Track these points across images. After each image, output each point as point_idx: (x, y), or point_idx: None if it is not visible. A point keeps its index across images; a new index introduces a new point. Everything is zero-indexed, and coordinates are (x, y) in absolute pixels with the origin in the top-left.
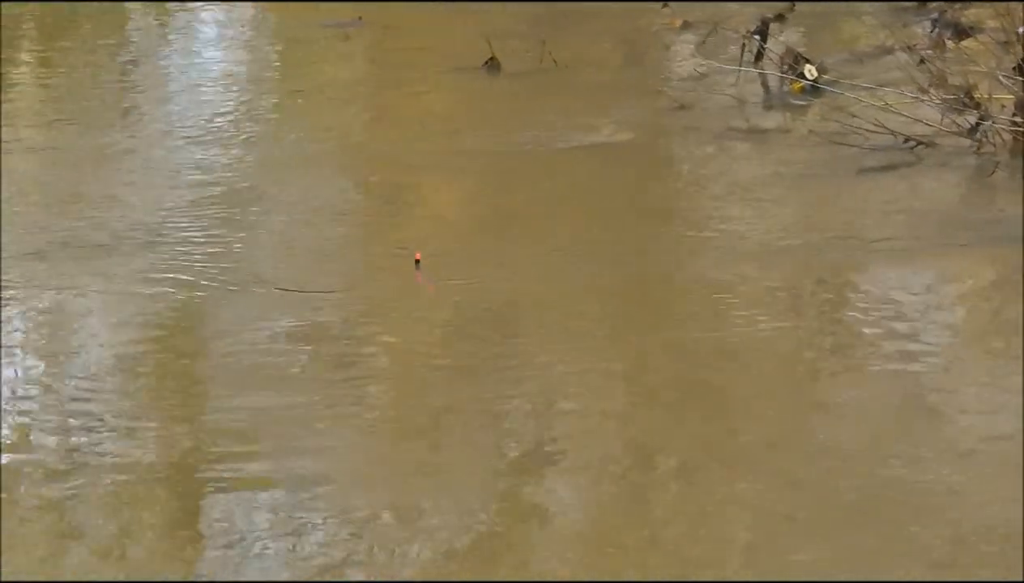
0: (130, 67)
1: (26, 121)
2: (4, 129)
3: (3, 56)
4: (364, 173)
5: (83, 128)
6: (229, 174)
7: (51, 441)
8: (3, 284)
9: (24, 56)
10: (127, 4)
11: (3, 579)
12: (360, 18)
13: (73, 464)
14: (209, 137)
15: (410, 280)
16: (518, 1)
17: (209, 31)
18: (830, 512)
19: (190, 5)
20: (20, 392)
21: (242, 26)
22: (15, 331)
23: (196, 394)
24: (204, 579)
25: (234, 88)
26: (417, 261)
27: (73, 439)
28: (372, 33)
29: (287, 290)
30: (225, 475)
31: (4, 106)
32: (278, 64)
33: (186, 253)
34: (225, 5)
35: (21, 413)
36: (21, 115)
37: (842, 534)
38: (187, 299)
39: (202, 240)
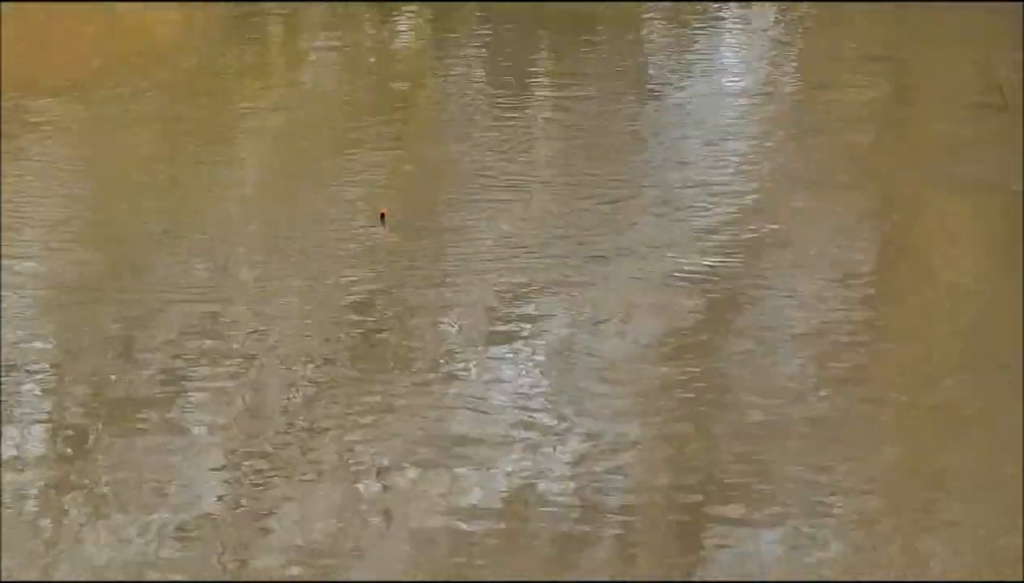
0: (644, 76)
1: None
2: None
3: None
4: (880, 198)
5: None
6: (744, 200)
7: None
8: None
9: (537, 70)
10: (643, 3)
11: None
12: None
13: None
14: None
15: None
16: None
17: (731, 47)
18: None
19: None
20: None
21: (767, 43)
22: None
23: None
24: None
25: (754, 108)
26: (383, 215)
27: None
28: (883, 64)
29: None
30: None
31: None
32: (800, 86)
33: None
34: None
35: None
36: (520, 137)
37: None
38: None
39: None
